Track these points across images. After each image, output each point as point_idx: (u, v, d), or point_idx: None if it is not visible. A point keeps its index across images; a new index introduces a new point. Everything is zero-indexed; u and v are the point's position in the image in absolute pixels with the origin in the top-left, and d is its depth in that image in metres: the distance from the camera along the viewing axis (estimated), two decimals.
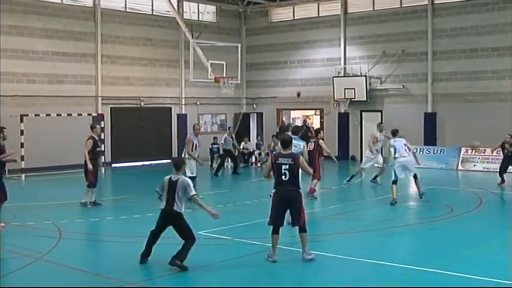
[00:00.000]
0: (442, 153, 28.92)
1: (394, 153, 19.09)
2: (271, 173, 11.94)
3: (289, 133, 15.34)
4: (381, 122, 23.99)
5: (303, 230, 11.75)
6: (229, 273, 11.14)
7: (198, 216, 16.92)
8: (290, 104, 36.22)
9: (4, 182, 15.22)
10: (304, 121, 36.34)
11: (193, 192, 11.36)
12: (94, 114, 29.66)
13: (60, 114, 27.84)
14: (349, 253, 12.28)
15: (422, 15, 31.25)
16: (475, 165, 27.83)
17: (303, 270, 11.52)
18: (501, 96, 29.01)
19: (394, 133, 19.87)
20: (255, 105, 37.60)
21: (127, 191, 22.26)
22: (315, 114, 37.32)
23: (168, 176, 11.50)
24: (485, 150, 27.38)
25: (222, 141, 29.64)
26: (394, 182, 18.79)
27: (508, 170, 22.35)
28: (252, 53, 37.42)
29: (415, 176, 19.28)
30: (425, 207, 18.41)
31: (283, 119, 36.79)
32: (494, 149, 23.93)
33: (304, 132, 35.00)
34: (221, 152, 29.93)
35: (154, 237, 11.54)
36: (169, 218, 11.33)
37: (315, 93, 34.83)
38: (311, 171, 13.06)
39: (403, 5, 32.17)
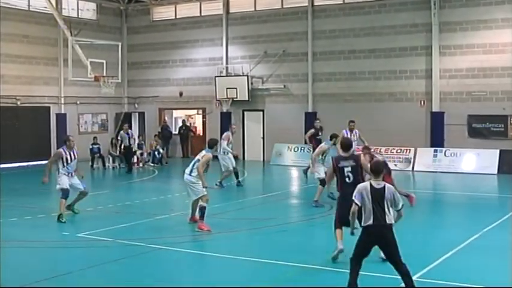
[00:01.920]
0: None
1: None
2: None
3: (207, 147, 15.48)
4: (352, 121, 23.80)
5: None
6: (111, 275, 10.91)
7: (77, 218, 16.56)
8: (172, 103, 36.03)
9: None
10: (184, 121, 36.31)
11: (402, 203, 9.52)
12: None
13: None
14: (232, 252, 12.31)
15: (303, 17, 31.83)
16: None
17: (188, 271, 11.45)
18: (377, 96, 29.97)
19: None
20: (136, 105, 37.13)
21: (3, 195, 21.36)
22: (197, 114, 37.28)
23: (367, 183, 9.51)
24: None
25: (119, 138, 29.14)
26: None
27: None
28: (133, 52, 36.94)
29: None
30: (305, 205, 18.70)
31: (166, 118, 36.53)
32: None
33: (185, 132, 35.31)
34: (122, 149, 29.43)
35: (360, 262, 9.47)
36: (382, 236, 9.24)
37: (197, 92, 34.81)
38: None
39: (284, 6, 32.64)
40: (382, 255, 10.27)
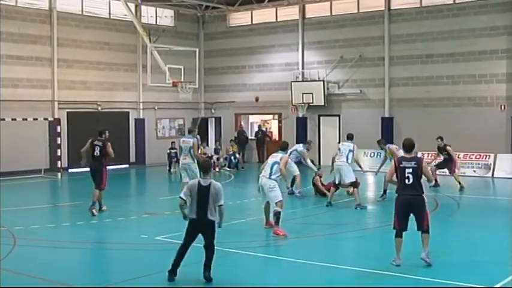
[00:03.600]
0: None
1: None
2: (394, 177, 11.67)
3: (279, 150, 15.80)
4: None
5: (426, 231, 11.46)
6: (186, 278, 11.04)
7: (156, 221, 16.84)
8: (248, 108, 36.25)
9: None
10: (260, 126, 36.46)
11: (222, 202, 10.60)
12: (50, 118, 29.28)
13: (15, 119, 27.33)
14: (308, 257, 12.29)
15: (379, 21, 31.54)
16: (430, 169, 28.15)
17: (264, 275, 11.50)
18: (455, 101, 29.41)
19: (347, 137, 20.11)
20: (213, 110, 37.52)
21: (83, 197, 21.89)
22: (273, 119, 37.40)
23: (195, 181, 10.81)
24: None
25: None
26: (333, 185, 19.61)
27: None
28: (210, 58, 37.34)
29: (352, 185, 19.30)
30: (381, 211, 18.51)
31: (242, 123, 36.79)
32: (435, 158, 24.37)
33: (261, 137, 35.43)
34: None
35: (184, 252, 10.80)
36: (202, 227, 10.63)
37: (273, 97, 34.92)
38: (432, 178, 12.82)
39: (360, 11, 32.43)
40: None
